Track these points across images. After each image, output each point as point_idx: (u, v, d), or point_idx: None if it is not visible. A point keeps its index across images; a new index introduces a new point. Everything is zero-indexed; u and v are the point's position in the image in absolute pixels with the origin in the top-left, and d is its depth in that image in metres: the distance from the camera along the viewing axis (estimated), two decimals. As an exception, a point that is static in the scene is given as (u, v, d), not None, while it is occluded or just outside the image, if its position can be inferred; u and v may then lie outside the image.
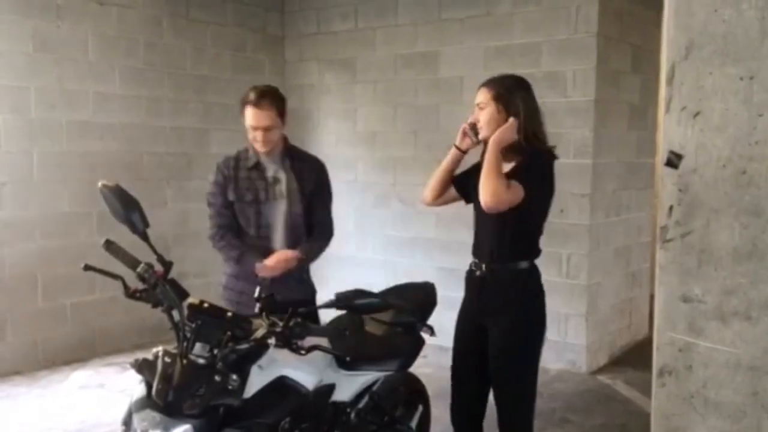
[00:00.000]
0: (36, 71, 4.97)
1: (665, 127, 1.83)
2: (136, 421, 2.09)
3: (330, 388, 2.57)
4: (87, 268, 2.26)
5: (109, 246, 2.26)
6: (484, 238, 2.82)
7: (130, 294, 2.24)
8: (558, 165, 2.79)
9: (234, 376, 2.08)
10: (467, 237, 2.97)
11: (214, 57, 6.10)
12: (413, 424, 3.15)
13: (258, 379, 2.22)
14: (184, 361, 2.06)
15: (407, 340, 3.02)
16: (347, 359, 2.55)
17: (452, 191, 2.98)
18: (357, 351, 2.61)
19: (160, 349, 2.12)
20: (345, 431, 2.67)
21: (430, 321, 3.12)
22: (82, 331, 5.29)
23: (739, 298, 1.70)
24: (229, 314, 2.19)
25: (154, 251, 2.27)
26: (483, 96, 2.73)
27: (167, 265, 2.26)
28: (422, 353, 3.09)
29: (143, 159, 5.60)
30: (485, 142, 2.73)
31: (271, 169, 3.16)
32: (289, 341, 2.17)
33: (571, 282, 5.11)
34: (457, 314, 2.96)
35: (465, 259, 2.93)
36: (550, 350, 2.97)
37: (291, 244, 3.13)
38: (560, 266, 5.12)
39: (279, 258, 3.02)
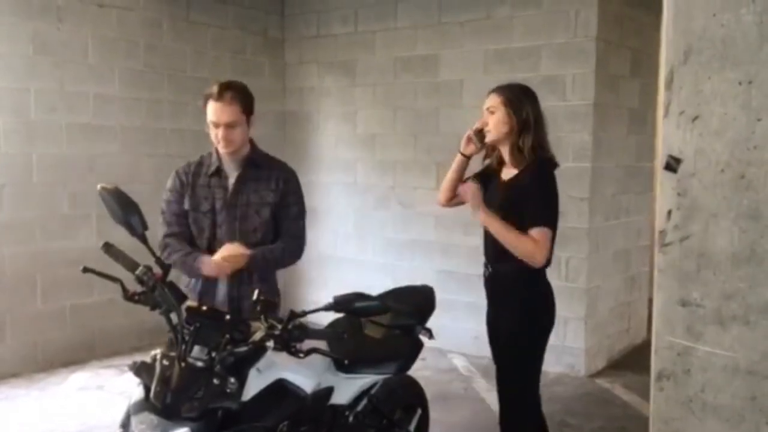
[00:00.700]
0: (36, 73, 4.97)
1: (664, 131, 1.83)
2: (134, 424, 2.09)
3: (328, 391, 2.57)
4: (86, 270, 2.26)
5: (108, 248, 2.26)
6: (490, 238, 2.89)
7: (129, 296, 2.24)
8: (557, 169, 2.92)
9: (232, 379, 2.08)
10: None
11: (214, 59, 6.10)
12: (412, 427, 3.15)
13: (256, 382, 2.22)
14: (183, 364, 2.06)
15: (406, 343, 3.03)
16: (346, 362, 2.56)
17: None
18: (355, 354, 2.62)
19: (158, 351, 2.12)
20: (343, 434, 2.67)
21: (429, 324, 3.12)
22: (81, 333, 5.29)
23: (738, 303, 1.70)
24: (228, 317, 2.20)
25: (153, 254, 2.28)
26: (493, 101, 2.87)
27: (166, 268, 2.26)
28: (421, 356, 3.09)
29: (143, 161, 5.60)
30: (489, 147, 2.93)
31: (233, 177, 2.89)
32: (287, 344, 2.16)
33: (570, 285, 5.11)
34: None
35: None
36: (548, 353, 2.99)
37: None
38: (559, 269, 5.11)
39: (226, 253, 2.69)
